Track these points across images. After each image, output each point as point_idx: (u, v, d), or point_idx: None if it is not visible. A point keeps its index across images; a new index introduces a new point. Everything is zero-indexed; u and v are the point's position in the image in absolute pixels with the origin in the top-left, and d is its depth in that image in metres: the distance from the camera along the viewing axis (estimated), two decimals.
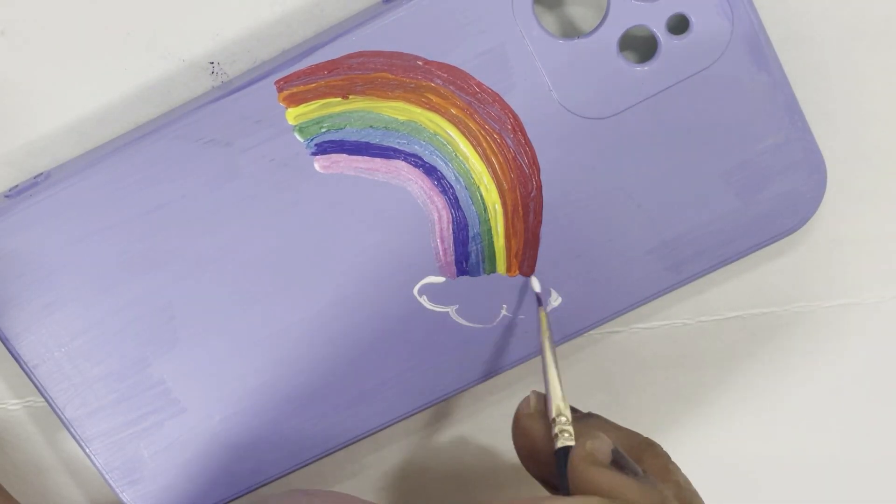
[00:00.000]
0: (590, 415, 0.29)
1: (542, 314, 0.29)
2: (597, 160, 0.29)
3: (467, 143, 0.29)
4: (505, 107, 0.28)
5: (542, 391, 0.27)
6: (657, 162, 0.29)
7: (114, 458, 0.30)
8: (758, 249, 0.30)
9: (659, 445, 0.28)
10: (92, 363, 0.30)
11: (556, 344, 0.31)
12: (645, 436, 0.28)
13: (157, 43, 0.29)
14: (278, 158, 0.28)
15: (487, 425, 0.34)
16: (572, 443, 0.26)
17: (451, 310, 0.30)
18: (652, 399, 0.34)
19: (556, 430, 0.27)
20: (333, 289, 0.30)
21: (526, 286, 0.30)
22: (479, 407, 0.34)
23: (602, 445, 0.25)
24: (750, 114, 0.29)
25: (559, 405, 0.27)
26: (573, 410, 0.28)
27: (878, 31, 0.30)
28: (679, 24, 0.28)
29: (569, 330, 0.31)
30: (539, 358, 0.29)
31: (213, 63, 0.30)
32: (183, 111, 0.28)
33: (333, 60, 0.28)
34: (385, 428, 0.31)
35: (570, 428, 0.27)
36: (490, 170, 0.29)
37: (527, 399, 0.28)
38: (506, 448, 0.34)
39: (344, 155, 0.29)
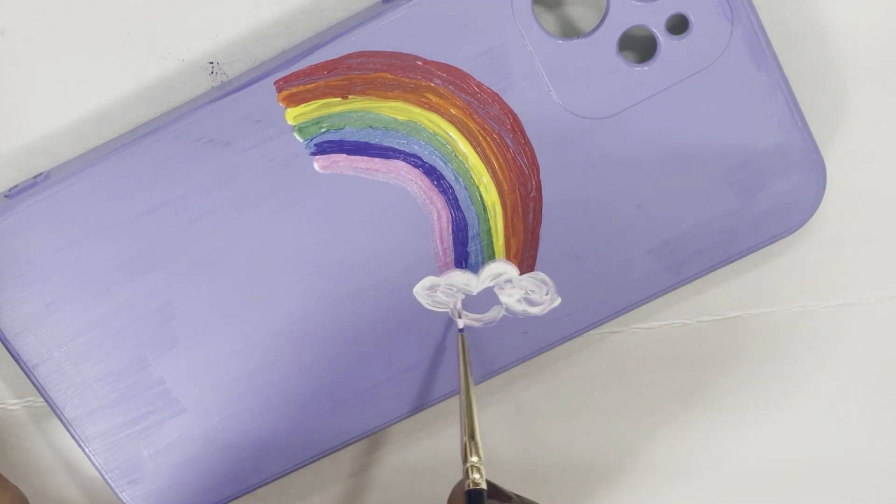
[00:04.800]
0: (506, 495, 0.28)
1: (462, 339, 0.30)
2: (596, 160, 0.29)
3: (467, 143, 0.29)
4: (504, 107, 0.28)
5: (467, 466, 0.27)
6: (657, 162, 0.29)
7: (113, 458, 0.31)
8: (758, 249, 0.30)
9: None
10: (92, 363, 0.30)
11: (555, 344, 0.31)
12: None
13: (156, 43, 0.29)
14: (278, 158, 0.28)
15: (487, 425, 0.34)
16: (483, 484, 0.27)
17: (451, 310, 0.30)
18: (652, 399, 0.34)
19: (466, 467, 0.27)
20: (333, 289, 0.30)
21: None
22: (479, 407, 0.34)
23: None
24: (750, 114, 0.29)
25: (466, 442, 0.27)
26: (495, 487, 0.28)
27: (878, 31, 0.30)
28: (679, 24, 0.28)
29: (569, 330, 0.31)
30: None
31: (212, 63, 0.30)
32: (182, 111, 0.28)
33: (333, 60, 0.28)
34: (385, 428, 0.31)
35: (482, 467, 0.27)
36: (489, 170, 0.29)
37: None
38: (505, 448, 0.34)
39: (343, 155, 0.29)
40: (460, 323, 0.30)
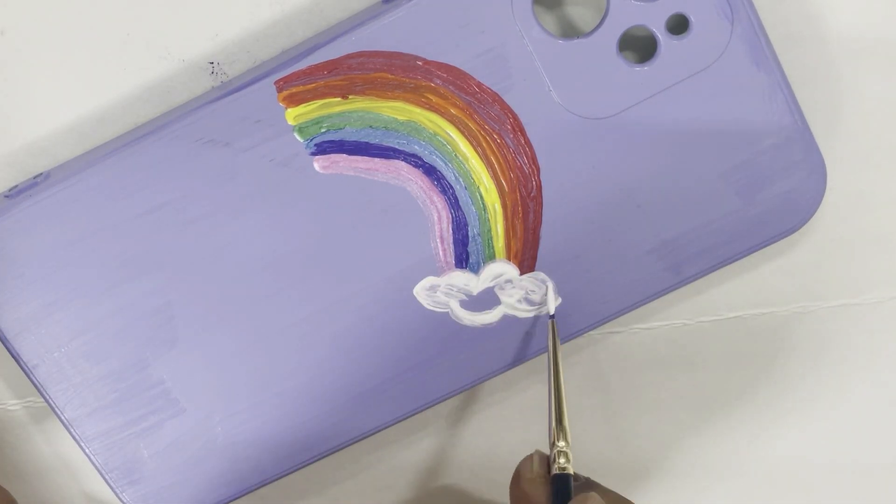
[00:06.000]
0: (588, 482, 0.29)
1: (552, 325, 0.30)
2: (596, 160, 0.29)
3: (467, 143, 0.29)
4: (505, 107, 0.28)
5: (555, 451, 0.28)
6: (657, 162, 0.29)
7: (113, 458, 0.31)
8: (758, 249, 0.30)
9: None
10: (92, 363, 0.30)
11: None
12: None
13: (156, 43, 0.29)
14: (278, 158, 0.28)
15: (487, 425, 0.34)
16: (570, 470, 0.27)
17: (450, 310, 0.30)
18: (652, 399, 0.34)
19: (554, 451, 0.27)
20: (333, 289, 0.30)
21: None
22: (479, 407, 0.34)
23: None
24: (750, 114, 0.29)
25: (555, 427, 0.28)
26: (576, 478, 0.29)
27: (878, 31, 0.30)
28: (679, 24, 0.28)
29: (569, 330, 0.31)
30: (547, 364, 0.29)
31: (212, 63, 0.30)
32: (182, 111, 0.28)
33: (333, 60, 0.28)
34: (385, 428, 0.31)
35: (569, 452, 0.28)
36: (490, 170, 0.29)
37: (529, 458, 0.29)
38: (505, 448, 0.34)
39: (343, 155, 0.29)
40: (552, 307, 0.30)
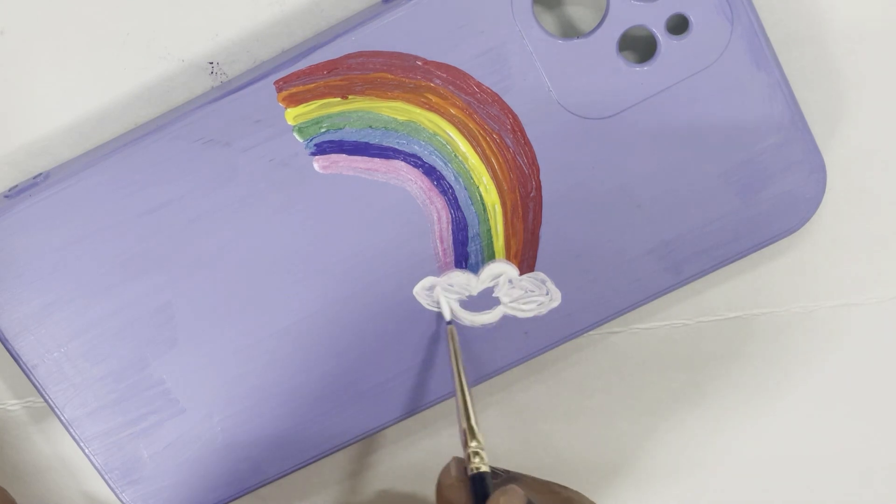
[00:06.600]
0: (510, 476, 0.29)
1: (451, 332, 0.30)
2: (596, 160, 0.29)
3: (467, 143, 0.29)
4: (504, 107, 0.28)
5: (468, 452, 0.28)
6: (657, 162, 0.29)
7: (113, 458, 0.31)
8: (758, 249, 0.30)
9: (584, 500, 0.28)
10: (91, 363, 0.30)
11: (555, 344, 0.31)
12: (569, 492, 0.28)
13: (156, 43, 0.29)
14: (277, 158, 0.28)
15: (487, 425, 0.34)
16: (486, 468, 0.27)
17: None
18: (652, 399, 0.34)
19: (467, 452, 0.27)
20: (333, 289, 0.30)
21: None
22: (479, 407, 0.34)
23: (514, 500, 0.26)
24: (750, 114, 0.29)
25: (465, 428, 0.28)
26: (496, 475, 0.28)
27: (878, 31, 0.30)
28: (679, 25, 0.28)
29: (569, 330, 0.31)
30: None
31: (212, 63, 0.30)
32: (182, 111, 0.28)
33: (333, 60, 0.28)
34: (385, 428, 0.31)
35: (483, 452, 0.27)
36: (489, 170, 0.29)
37: (447, 468, 0.28)
38: (505, 448, 0.34)
39: (343, 155, 0.29)
40: (447, 314, 0.30)
